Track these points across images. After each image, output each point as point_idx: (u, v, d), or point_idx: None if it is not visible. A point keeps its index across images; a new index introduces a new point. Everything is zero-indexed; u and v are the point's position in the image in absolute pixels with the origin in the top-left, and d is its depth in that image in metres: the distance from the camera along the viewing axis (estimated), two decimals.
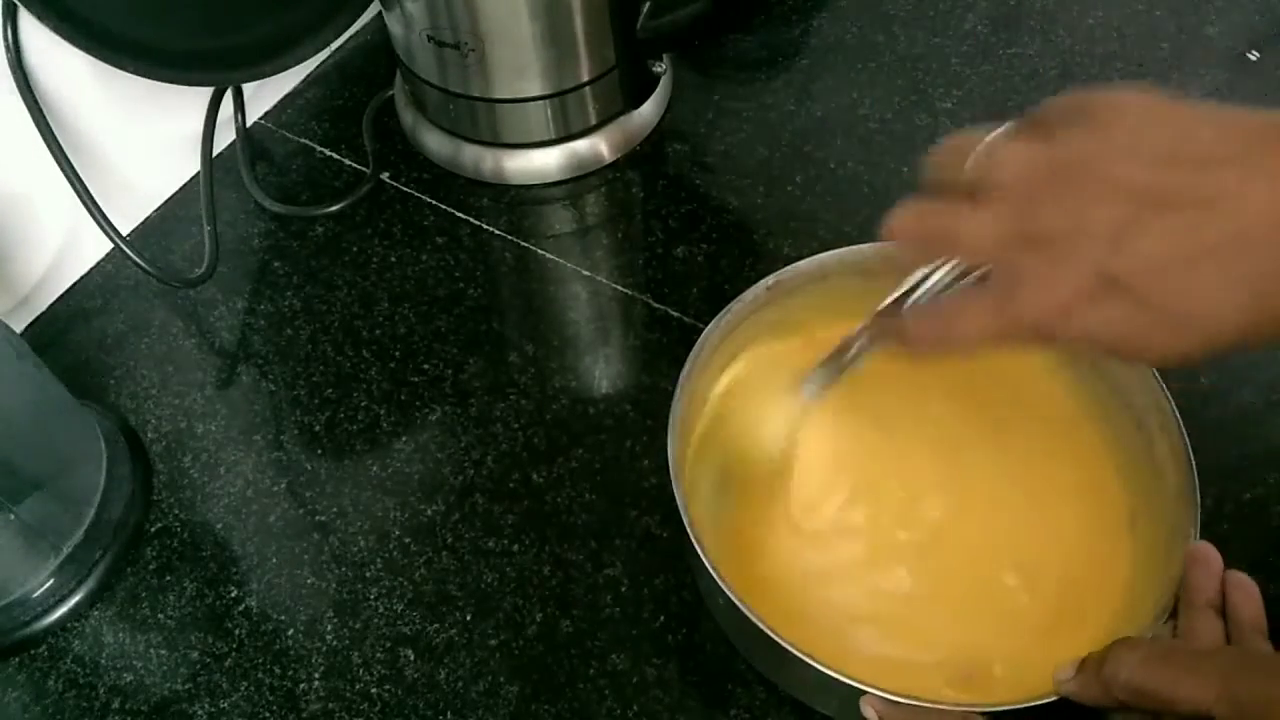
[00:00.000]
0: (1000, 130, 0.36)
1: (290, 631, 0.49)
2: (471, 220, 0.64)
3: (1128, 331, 0.32)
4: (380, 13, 0.64)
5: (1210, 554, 0.41)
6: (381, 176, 0.66)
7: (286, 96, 0.71)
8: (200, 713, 0.47)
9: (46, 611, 0.49)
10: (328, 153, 0.68)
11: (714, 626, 0.47)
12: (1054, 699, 0.38)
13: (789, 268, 0.48)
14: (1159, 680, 0.35)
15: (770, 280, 0.48)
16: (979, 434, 0.49)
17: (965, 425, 0.49)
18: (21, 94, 0.54)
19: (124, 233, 0.58)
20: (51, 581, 0.49)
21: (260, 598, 0.50)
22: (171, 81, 0.59)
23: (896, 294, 0.39)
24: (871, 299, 0.50)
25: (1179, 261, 0.31)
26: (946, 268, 0.37)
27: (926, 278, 0.38)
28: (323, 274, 0.62)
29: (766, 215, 0.62)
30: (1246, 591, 0.40)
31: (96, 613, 0.50)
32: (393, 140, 0.68)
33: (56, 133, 0.56)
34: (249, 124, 0.68)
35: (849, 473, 0.48)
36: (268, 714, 0.47)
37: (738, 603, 0.39)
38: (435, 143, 0.66)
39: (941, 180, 0.36)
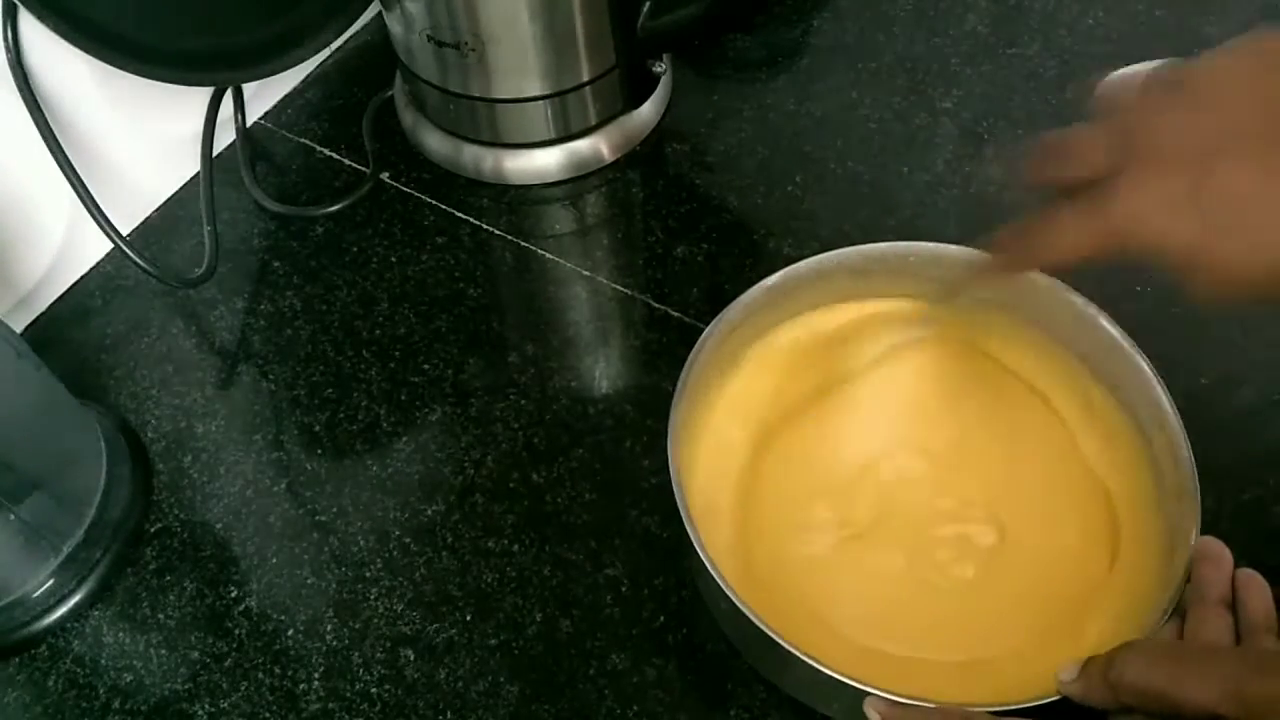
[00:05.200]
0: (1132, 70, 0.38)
1: (290, 631, 0.49)
2: (471, 220, 0.64)
3: (1198, 247, 0.34)
4: (380, 13, 0.64)
5: (1220, 550, 0.41)
6: (381, 176, 0.66)
7: (286, 96, 0.71)
8: (200, 713, 0.47)
9: (46, 611, 0.49)
10: (328, 153, 0.68)
11: (714, 626, 0.47)
12: (1056, 698, 0.38)
13: (789, 268, 0.49)
14: (1165, 681, 0.35)
15: (770, 281, 0.48)
16: (980, 438, 0.49)
17: (966, 429, 0.49)
18: (21, 94, 0.54)
19: (124, 233, 0.58)
20: (51, 581, 0.49)
21: (260, 598, 0.50)
22: (171, 81, 0.59)
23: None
24: (868, 299, 0.51)
25: (1262, 195, 0.34)
26: None
27: None
28: (323, 274, 0.62)
29: (766, 215, 0.62)
30: (1257, 588, 0.40)
31: (96, 613, 0.50)
32: (393, 140, 0.68)
33: (56, 133, 0.56)
34: (249, 124, 0.68)
35: (853, 473, 0.48)
36: (268, 714, 0.47)
37: (740, 605, 0.39)
38: (435, 143, 0.66)
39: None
